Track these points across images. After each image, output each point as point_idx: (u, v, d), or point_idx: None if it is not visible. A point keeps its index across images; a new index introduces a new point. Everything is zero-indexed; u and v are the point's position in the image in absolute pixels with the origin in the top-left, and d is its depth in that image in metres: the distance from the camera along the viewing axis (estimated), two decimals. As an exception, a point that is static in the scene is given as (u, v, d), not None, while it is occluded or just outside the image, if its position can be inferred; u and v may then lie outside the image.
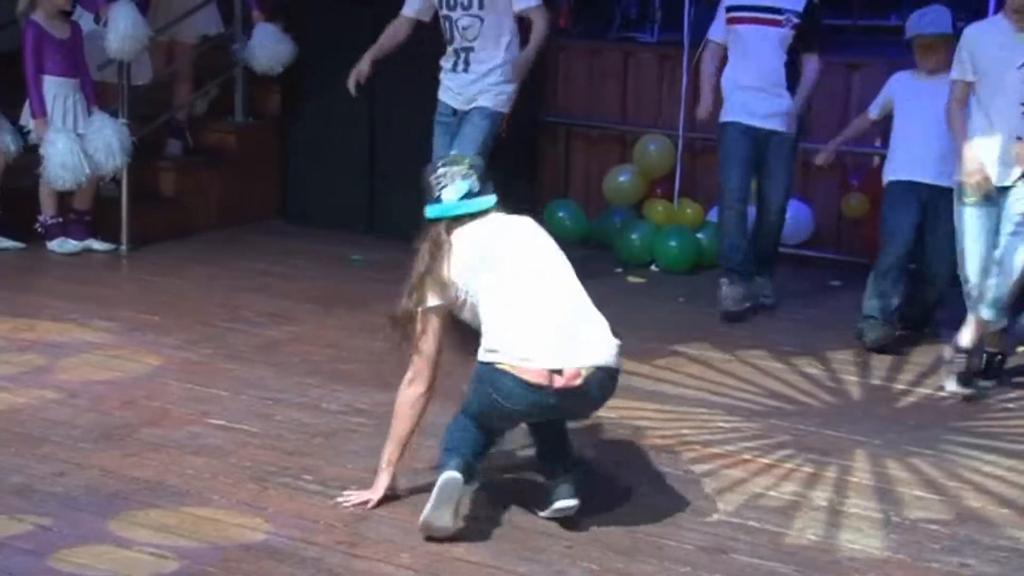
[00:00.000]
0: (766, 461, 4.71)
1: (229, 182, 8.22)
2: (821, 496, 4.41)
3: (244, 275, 7.08)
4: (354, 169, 8.00)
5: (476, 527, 3.98)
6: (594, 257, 7.52)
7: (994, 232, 5.39)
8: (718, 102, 6.60)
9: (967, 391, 5.44)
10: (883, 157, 6.42)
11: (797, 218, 7.32)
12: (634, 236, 7.51)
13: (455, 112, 6.50)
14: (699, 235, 7.33)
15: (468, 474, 3.85)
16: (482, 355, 3.88)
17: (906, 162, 6.06)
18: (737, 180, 6.52)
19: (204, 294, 6.68)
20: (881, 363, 5.94)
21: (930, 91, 5.88)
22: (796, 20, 6.41)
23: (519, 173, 8.03)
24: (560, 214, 7.87)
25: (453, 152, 6.02)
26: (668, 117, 7.68)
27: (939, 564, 3.92)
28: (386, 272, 7.12)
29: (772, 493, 4.43)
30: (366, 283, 6.96)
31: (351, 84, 6.56)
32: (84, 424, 4.81)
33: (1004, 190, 5.36)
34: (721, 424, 5.11)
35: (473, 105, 6.38)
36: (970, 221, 5.44)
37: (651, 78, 7.79)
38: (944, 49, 5.85)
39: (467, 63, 6.39)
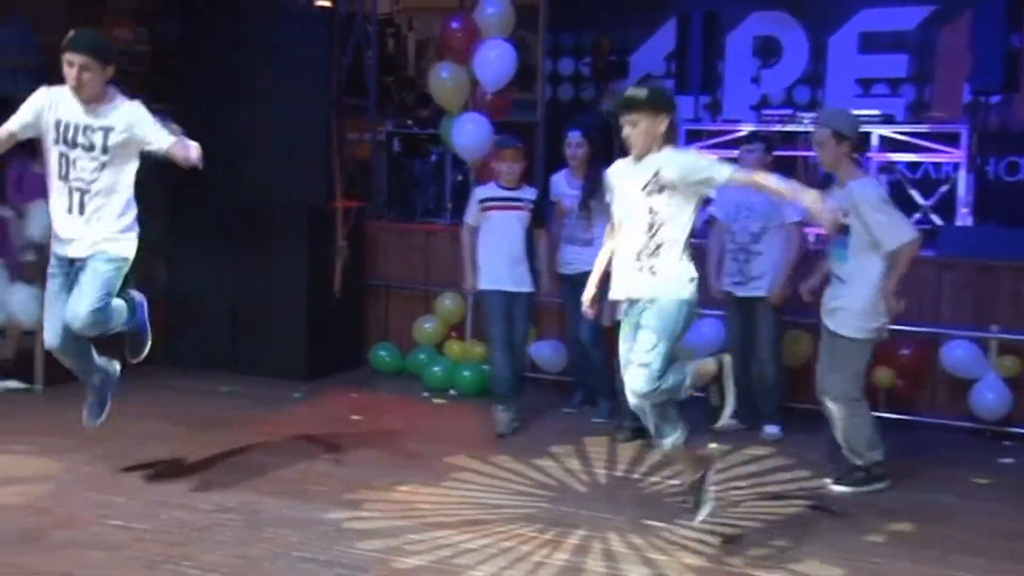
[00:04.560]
0: (542, 536, 4.71)
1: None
2: (594, 566, 4.44)
3: (135, 405, 6.66)
4: (221, 321, 7.81)
5: None
6: (408, 385, 7.55)
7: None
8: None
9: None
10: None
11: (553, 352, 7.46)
12: (436, 368, 7.54)
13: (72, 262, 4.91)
14: (485, 367, 7.35)
15: None
16: None
17: None
18: (499, 329, 6.43)
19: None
20: (623, 457, 6.00)
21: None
22: (531, 205, 6.48)
23: (350, 323, 8.07)
24: (381, 352, 7.91)
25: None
26: (459, 278, 7.78)
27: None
28: (247, 400, 7.07)
29: (548, 561, 4.43)
30: (232, 409, 6.82)
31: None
32: (4, 527, 4.56)
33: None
34: (507, 510, 5.09)
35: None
36: None
37: (445, 250, 7.89)
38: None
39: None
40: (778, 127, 8.05)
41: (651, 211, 4.31)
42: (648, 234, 4.33)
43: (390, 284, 8.17)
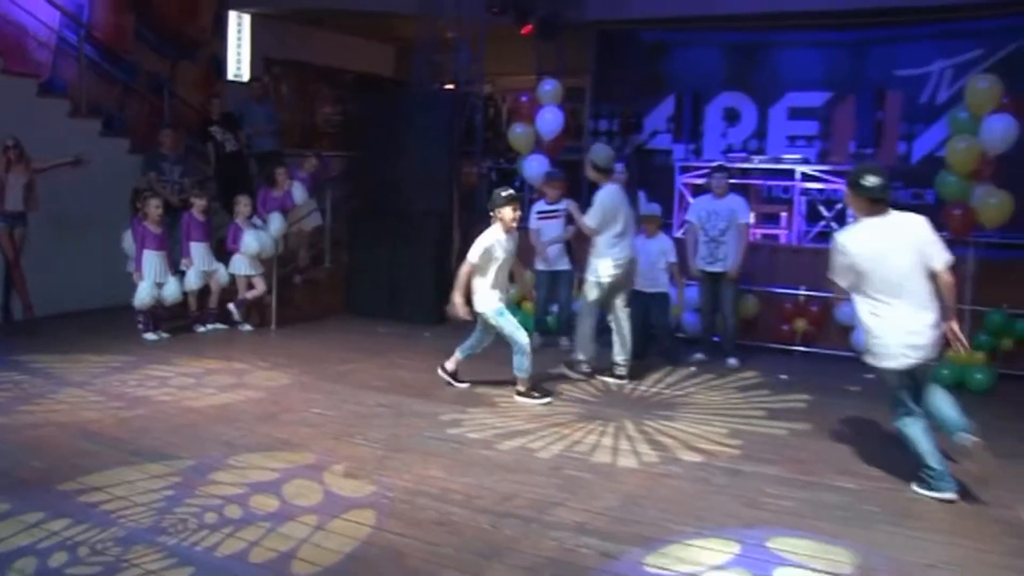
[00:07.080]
0: (581, 425, 4.74)
1: (322, 294, 8.09)
2: (607, 442, 4.44)
3: (331, 339, 6.88)
4: (381, 285, 7.78)
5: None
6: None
7: None
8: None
9: None
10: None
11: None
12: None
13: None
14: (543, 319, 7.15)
15: None
16: None
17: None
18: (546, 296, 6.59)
19: (308, 350, 6.46)
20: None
21: None
22: (564, 212, 6.35)
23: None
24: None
25: None
26: (531, 261, 7.53)
27: (649, 468, 3.94)
28: (395, 337, 7.04)
29: (585, 440, 4.46)
30: (387, 342, 6.85)
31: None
32: (254, 411, 4.76)
33: None
34: (561, 410, 5.10)
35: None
36: None
37: (520, 242, 7.83)
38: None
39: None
40: (737, 164, 7.90)
41: None
42: None
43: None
